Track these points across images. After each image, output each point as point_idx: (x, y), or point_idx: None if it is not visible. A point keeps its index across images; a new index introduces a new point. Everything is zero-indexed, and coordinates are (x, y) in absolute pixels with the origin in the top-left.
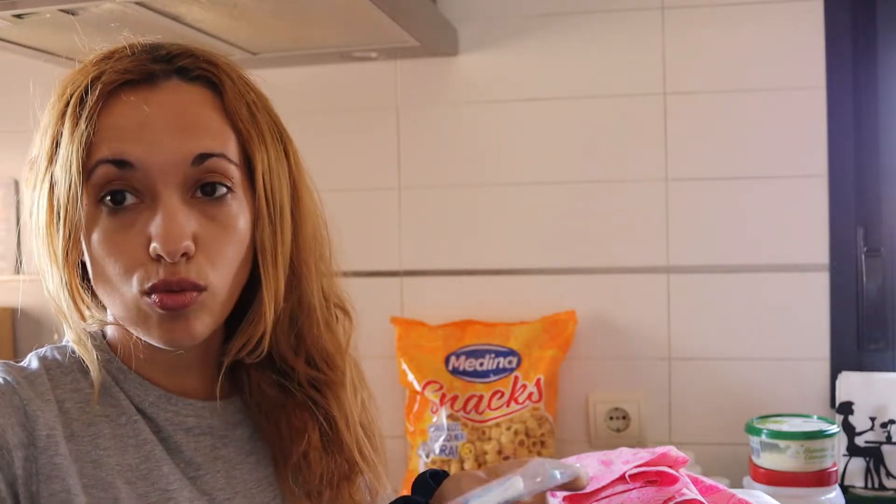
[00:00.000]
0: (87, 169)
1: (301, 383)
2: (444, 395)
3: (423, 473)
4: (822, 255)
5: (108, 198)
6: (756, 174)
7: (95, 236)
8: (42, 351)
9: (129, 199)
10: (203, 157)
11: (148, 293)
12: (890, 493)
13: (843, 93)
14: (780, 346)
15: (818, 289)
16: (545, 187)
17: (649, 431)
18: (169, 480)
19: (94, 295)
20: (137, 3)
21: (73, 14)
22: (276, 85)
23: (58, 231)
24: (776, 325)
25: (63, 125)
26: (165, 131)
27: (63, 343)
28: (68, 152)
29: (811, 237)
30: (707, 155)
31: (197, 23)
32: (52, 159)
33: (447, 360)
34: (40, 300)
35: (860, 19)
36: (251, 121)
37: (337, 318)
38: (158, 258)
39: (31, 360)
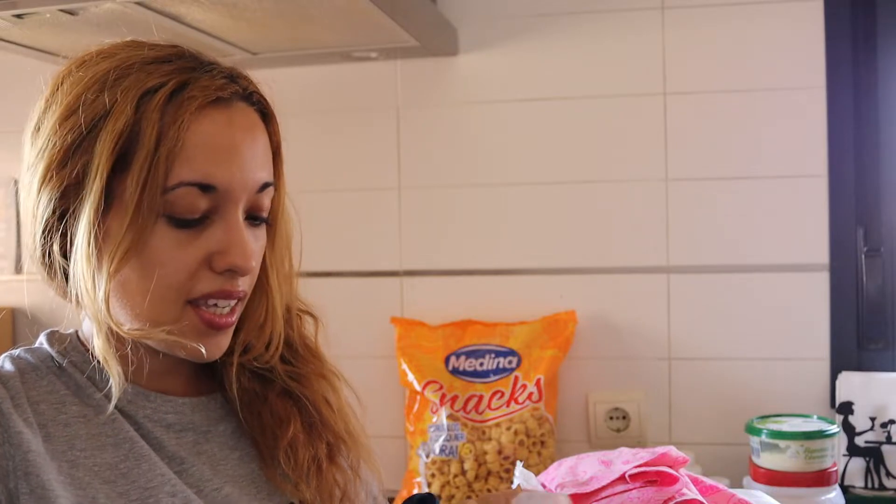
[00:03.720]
0: (165, 186)
1: (280, 376)
2: (444, 395)
3: (412, 498)
4: (822, 255)
5: (178, 213)
6: (756, 174)
7: (150, 246)
8: (15, 352)
9: (196, 215)
10: (265, 186)
11: (195, 302)
12: (890, 493)
13: (843, 93)
14: (780, 346)
15: (818, 289)
16: (545, 187)
17: (649, 431)
18: (149, 478)
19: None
20: (137, 3)
21: (73, 14)
22: (276, 85)
23: (118, 241)
24: (776, 325)
25: (140, 126)
26: (246, 156)
27: (36, 345)
28: (151, 163)
29: (811, 237)
30: (707, 155)
31: (197, 23)
32: (117, 160)
33: (447, 360)
34: (40, 300)
35: (860, 19)
36: (280, 151)
37: (301, 319)
38: (227, 273)
39: (4, 362)
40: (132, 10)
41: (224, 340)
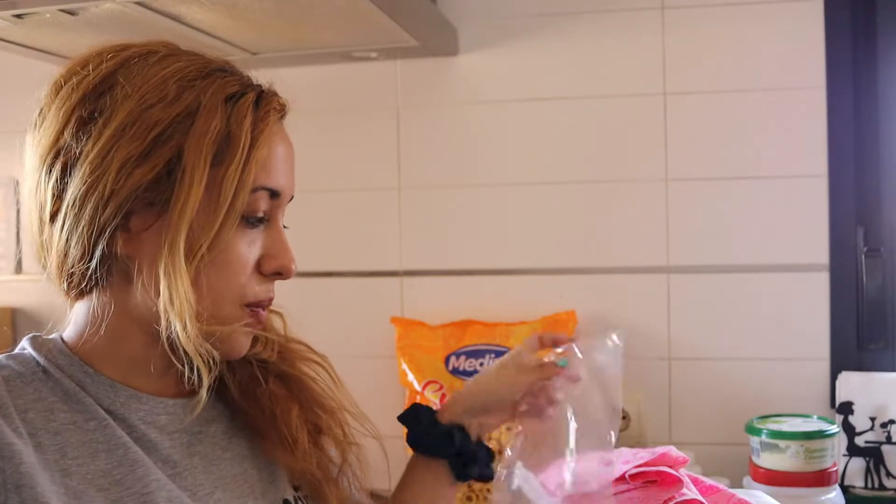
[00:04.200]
0: (253, 187)
1: (267, 365)
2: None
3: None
4: (822, 255)
5: (250, 216)
6: (756, 174)
7: (227, 244)
8: None
9: (264, 216)
10: (293, 196)
11: (251, 305)
12: (890, 493)
13: (843, 93)
14: (780, 346)
15: (818, 289)
16: (545, 187)
17: (649, 431)
18: (145, 483)
19: None
20: (137, 3)
21: (73, 14)
22: (276, 85)
23: (211, 235)
24: (776, 325)
25: (229, 128)
26: (293, 167)
27: (17, 351)
28: (243, 167)
29: (811, 237)
30: (707, 155)
31: (197, 23)
32: (213, 161)
33: (447, 360)
34: (40, 300)
35: (860, 19)
36: None
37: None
38: (274, 276)
39: None
40: (132, 10)
41: (250, 339)
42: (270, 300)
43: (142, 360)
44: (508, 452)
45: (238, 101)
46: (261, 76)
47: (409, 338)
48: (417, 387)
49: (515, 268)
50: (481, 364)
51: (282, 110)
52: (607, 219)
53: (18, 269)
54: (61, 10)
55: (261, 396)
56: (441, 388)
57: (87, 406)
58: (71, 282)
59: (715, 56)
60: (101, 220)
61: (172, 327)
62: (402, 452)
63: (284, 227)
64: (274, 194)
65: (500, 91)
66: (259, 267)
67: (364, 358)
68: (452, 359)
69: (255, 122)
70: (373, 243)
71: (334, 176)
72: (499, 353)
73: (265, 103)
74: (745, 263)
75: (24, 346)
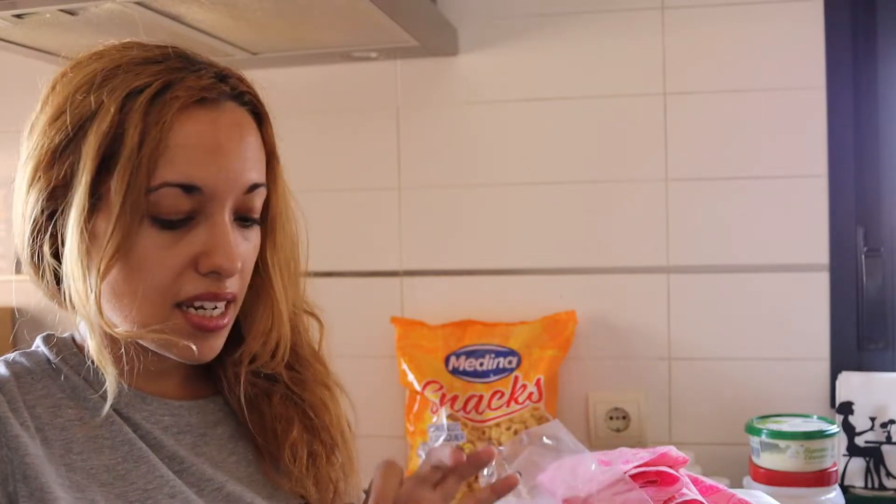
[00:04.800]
0: (147, 186)
1: (283, 379)
2: (444, 395)
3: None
4: (822, 255)
5: (162, 214)
6: (756, 174)
7: (136, 247)
8: (10, 357)
9: (180, 216)
10: (254, 187)
11: (183, 304)
12: (890, 493)
13: (843, 93)
14: (780, 346)
15: (818, 289)
16: (545, 187)
17: (649, 431)
18: (148, 479)
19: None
20: (137, 3)
21: (73, 14)
22: (276, 85)
23: (105, 242)
24: (776, 325)
25: (124, 127)
26: (232, 157)
27: (32, 349)
28: (134, 162)
29: (811, 237)
30: (707, 155)
31: (197, 23)
32: (102, 160)
33: (447, 360)
34: (40, 300)
35: (860, 19)
36: (275, 148)
37: (307, 322)
38: (211, 274)
39: (0, 367)
40: (132, 10)
41: (217, 342)
42: (215, 295)
43: (140, 362)
44: (501, 449)
45: (138, 96)
46: (261, 76)
47: (409, 338)
48: (417, 387)
49: (515, 268)
50: (481, 364)
51: (203, 93)
52: (607, 219)
53: (18, 268)
54: (61, 10)
55: (265, 413)
56: (441, 387)
57: (94, 403)
58: (47, 284)
59: (715, 56)
60: (35, 228)
61: (91, 332)
62: (402, 452)
63: (250, 220)
64: (189, 189)
65: (500, 91)
66: (196, 265)
67: (364, 358)
68: (452, 359)
69: (149, 115)
70: (373, 243)
71: (334, 176)
72: (499, 353)
73: (175, 90)
74: (745, 263)
75: (38, 343)
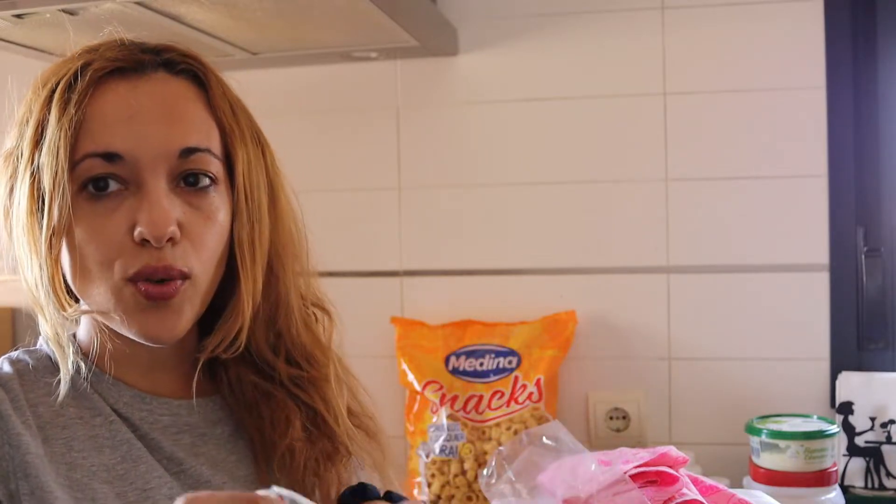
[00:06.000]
0: (73, 161)
1: (282, 380)
2: (444, 395)
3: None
4: (822, 255)
5: (91, 185)
6: (756, 174)
7: (77, 224)
8: (14, 354)
9: (113, 186)
10: (190, 151)
11: (132, 280)
12: (890, 493)
13: (843, 93)
14: (780, 346)
15: (818, 289)
16: (545, 187)
17: (649, 431)
18: (147, 479)
19: (69, 291)
20: (137, 3)
21: (73, 14)
22: (276, 85)
23: (41, 219)
24: (776, 325)
25: (49, 112)
26: (154, 123)
27: (36, 346)
28: (55, 139)
29: (811, 237)
30: (707, 155)
31: (197, 23)
32: (36, 147)
33: (447, 360)
34: None
35: (860, 19)
36: (233, 118)
37: (316, 316)
38: (143, 243)
39: (3, 364)
40: (132, 10)
41: (171, 320)
42: (155, 269)
43: (135, 358)
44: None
45: (56, 86)
46: (261, 76)
47: (409, 338)
48: (417, 387)
49: (515, 268)
50: (481, 364)
51: (117, 63)
52: (607, 219)
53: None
54: (61, 10)
55: (262, 414)
56: (441, 387)
57: (94, 403)
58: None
59: (715, 56)
60: (8, 232)
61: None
62: (402, 452)
63: (197, 180)
64: (111, 157)
65: (500, 91)
66: (132, 235)
67: (364, 358)
68: (452, 359)
69: (66, 93)
70: (373, 243)
71: (334, 176)
72: (499, 353)
73: (88, 69)
74: (745, 263)
75: (41, 342)
